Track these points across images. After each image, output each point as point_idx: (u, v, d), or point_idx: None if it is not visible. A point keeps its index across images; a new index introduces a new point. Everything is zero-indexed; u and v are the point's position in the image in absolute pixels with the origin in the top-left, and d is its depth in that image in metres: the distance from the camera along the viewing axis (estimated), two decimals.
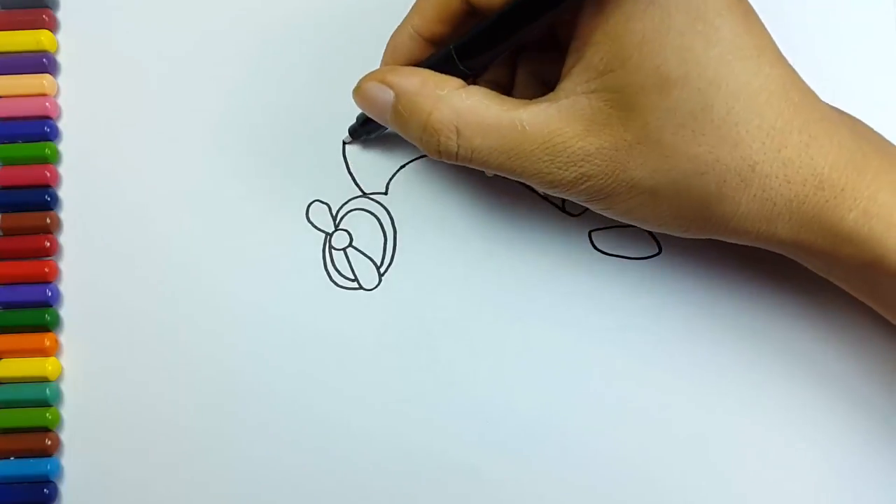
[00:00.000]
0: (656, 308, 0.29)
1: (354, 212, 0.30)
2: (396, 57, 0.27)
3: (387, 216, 0.30)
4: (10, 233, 0.30)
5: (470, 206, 0.30)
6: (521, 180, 0.25)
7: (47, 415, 0.29)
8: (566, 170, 0.24)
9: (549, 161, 0.24)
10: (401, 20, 0.27)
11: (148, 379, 0.30)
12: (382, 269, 0.30)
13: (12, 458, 0.30)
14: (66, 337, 0.30)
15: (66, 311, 0.30)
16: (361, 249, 0.30)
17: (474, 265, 0.30)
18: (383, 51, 0.27)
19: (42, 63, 0.30)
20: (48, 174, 0.30)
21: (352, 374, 0.30)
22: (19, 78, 0.30)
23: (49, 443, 0.29)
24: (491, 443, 0.29)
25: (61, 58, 0.31)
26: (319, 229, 0.30)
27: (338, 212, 0.30)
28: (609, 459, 0.29)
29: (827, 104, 0.25)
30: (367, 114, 0.27)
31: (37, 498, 0.29)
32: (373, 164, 0.30)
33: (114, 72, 0.31)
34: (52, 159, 0.30)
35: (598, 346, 0.29)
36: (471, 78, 0.26)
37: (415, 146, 0.26)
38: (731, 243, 0.25)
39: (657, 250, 0.30)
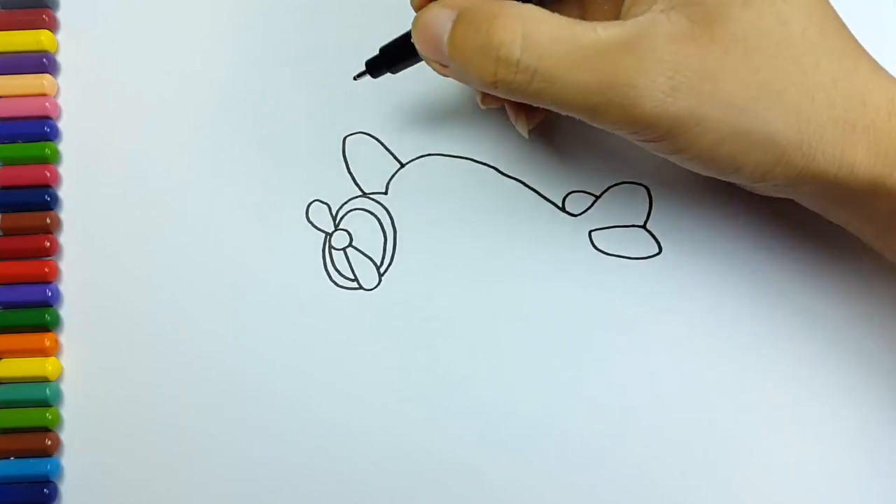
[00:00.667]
0: (656, 308, 0.29)
1: (354, 212, 0.30)
2: None
3: (387, 216, 0.30)
4: (10, 233, 0.30)
5: (470, 205, 0.30)
6: (597, 103, 0.22)
7: (47, 415, 0.29)
8: (655, 78, 0.21)
9: (635, 67, 0.21)
10: (404, 21, 0.25)
11: (148, 379, 0.30)
12: (382, 269, 0.30)
13: (12, 458, 0.30)
14: (66, 337, 0.30)
15: (66, 311, 0.30)
16: (361, 249, 0.30)
17: (474, 265, 0.30)
18: None
19: (42, 63, 0.30)
20: (48, 174, 0.30)
21: (352, 374, 0.30)
22: (19, 78, 0.30)
23: (49, 443, 0.29)
24: (491, 443, 0.29)
25: (61, 58, 0.31)
26: (319, 229, 0.30)
27: (338, 212, 0.30)
28: (609, 459, 0.29)
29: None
30: (421, 46, 0.25)
31: (37, 498, 0.29)
32: (373, 164, 0.30)
33: (114, 72, 0.31)
34: (52, 159, 0.30)
35: (598, 346, 0.29)
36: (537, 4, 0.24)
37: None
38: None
39: (657, 250, 0.30)
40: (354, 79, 0.28)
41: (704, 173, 0.25)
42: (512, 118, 0.27)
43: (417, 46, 0.25)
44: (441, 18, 0.23)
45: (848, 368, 0.29)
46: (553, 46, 0.22)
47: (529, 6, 0.23)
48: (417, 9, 0.25)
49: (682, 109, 0.22)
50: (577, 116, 0.23)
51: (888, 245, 0.26)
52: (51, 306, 0.30)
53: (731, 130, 0.22)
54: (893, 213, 0.24)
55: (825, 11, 0.23)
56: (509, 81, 0.22)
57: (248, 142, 0.30)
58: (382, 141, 0.30)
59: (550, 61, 0.22)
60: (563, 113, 0.23)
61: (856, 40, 0.24)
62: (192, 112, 0.31)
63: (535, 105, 0.24)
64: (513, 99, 0.24)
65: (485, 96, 0.27)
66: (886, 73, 0.24)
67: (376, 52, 0.27)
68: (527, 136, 0.28)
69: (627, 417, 0.29)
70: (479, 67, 0.23)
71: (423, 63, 0.26)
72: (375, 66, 0.27)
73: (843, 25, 0.24)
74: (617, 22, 0.22)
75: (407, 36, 0.26)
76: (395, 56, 0.27)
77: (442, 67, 0.25)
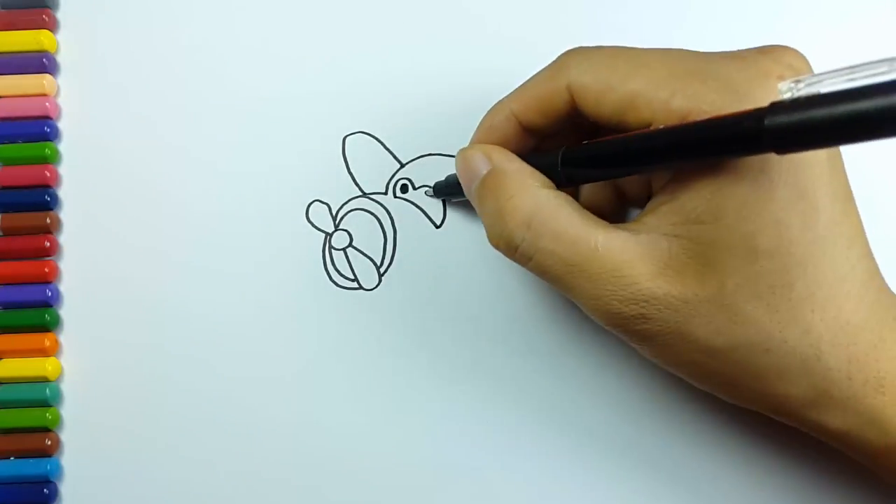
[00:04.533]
0: None
1: (354, 212, 0.30)
2: (490, 135, 0.26)
3: (387, 216, 0.30)
4: (10, 233, 0.30)
5: (470, 205, 0.30)
6: (574, 299, 0.24)
7: (47, 415, 0.29)
8: (626, 305, 0.22)
9: (612, 291, 0.22)
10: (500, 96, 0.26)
11: (148, 379, 0.30)
12: (382, 269, 0.30)
13: (12, 458, 0.30)
14: (66, 337, 0.30)
15: (66, 311, 0.30)
16: (361, 249, 0.30)
17: (474, 265, 0.30)
18: (478, 123, 0.26)
19: (42, 63, 0.30)
20: (48, 174, 0.30)
21: (351, 374, 0.30)
22: (19, 78, 0.30)
23: (49, 443, 0.29)
24: (491, 443, 0.29)
25: (61, 58, 0.31)
26: (319, 229, 0.30)
27: (338, 212, 0.30)
28: (609, 460, 0.29)
29: None
30: (459, 176, 0.26)
31: (37, 498, 0.29)
32: (373, 164, 0.30)
33: (114, 72, 0.31)
34: (52, 159, 0.30)
35: (597, 346, 0.29)
36: (569, 187, 0.25)
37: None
38: None
39: None
40: (426, 194, 0.30)
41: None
42: None
43: (458, 177, 0.27)
44: (478, 164, 0.25)
45: None
46: (552, 245, 0.23)
47: (548, 193, 0.23)
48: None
49: (645, 332, 0.23)
50: None
51: (877, 467, 0.24)
52: (51, 306, 0.30)
53: (690, 362, 0.23)
54: (864, 458, 0.24)
55: (846, 278, 0.22)
56: (509, 254, 0.24)
57: (249, 142, 0.30)
58: (382, 141, 0.30)
59: (546, 257, 0.23)
60: None
61: (870, 308, 0.22)
62: (192, 112, 0.31)
63: None
64: None
65: None
66: (892, 342, 0.22)
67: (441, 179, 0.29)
68: None
69: (627, 417, 0.29)
70: (490, 231, 0.25)
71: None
72: (441, 190, 0.30)
73: (865, 291, 0.22)
74: (621, 235, 0.23)
75: None
76: (455, 186, 0.28)
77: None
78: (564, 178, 0.24)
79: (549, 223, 0.23)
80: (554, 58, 0.24)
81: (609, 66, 0.23)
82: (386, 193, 0.30)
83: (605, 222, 0.23)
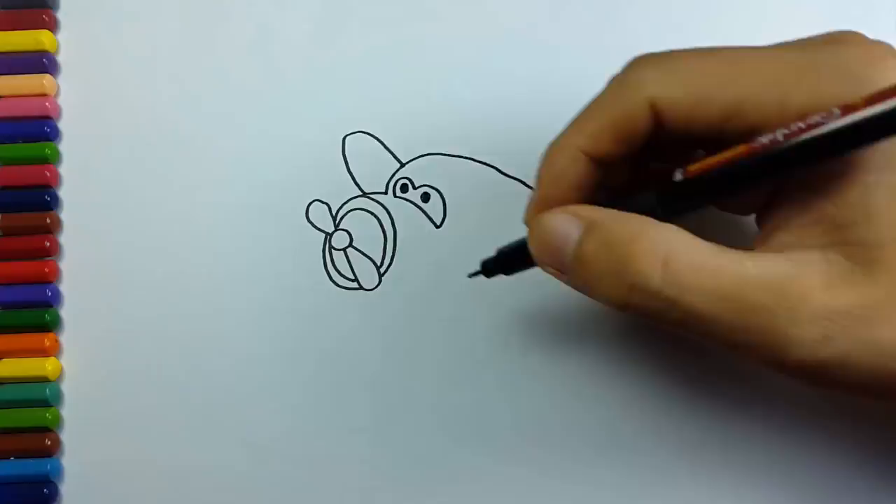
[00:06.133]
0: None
1: (354, 212, 0.30)
2: (559, 183, 0.22)
3: (387, 216, 0.30)
4: (10, 233, 0.30)
5: (470, 205, 0.30)
6: (739, 342, 0.20)
7: (47, 415, 0.29)
8: (807, 328, 0.19)
9: (786, 314, 0.19)
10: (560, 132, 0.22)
11: (148, 379, 0.30)
12: (382, 269, 0.30)
13: (12, 458, 0.30)
14: (66, 337, 0.30)
15: (66, 311, 0.30)
16: (361, 249, 0.30)
17: (474, 265, 0.30)
18: (536, 177, 0.23)
19: (42, 63, 0.30)
20: (48, 174, 0.30)
21: (352, 374, 0.30)
22: (19, 78, 0.30)
23: (49, 443, 0.29)
24: (492, 443, 0.29)
25: (61, 58, 0.31)
26: (319, 229, 0.30)
27: (338, 212, 0.30)
28: (609, 460, 0.29)
29: None
30: (538, 252, 0.23)
31: (37, 498, 0.29)
32: (373, 164, 0.30)
33: (114, 72, 0.31)
34: (52, 159, 0.30)
35: (597, 346, 0.29)
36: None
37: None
38: None
39: None
40: (469, 276, 0.26)
41: None
42: None
43: (533, 252, 0.23)
44: (567, 228, 0.22)
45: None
46: (696, 279, 0.20)
47: (670, 227, 0.20)
48: (528, 221, 0.23)
49: (830, 356, 0.20)
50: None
51: None
52: (51, 306, 0.30)
53: (879, 374, 0.20)
54: None
55: None
56: (644, 308, 0.21)
57: (249, 142, 0.30)
58: (382, 141, 0.30)
59: (693, 295, 0.20)
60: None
61: None
62: (192, 112, 0.31)
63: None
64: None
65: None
66: None
67: (493, 254, 0.26)
68: None
69: (627, 418, 0.29)
70: (611, 289, 0.21)
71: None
72: (491, 269, 0.26)
73: None
74: (768, 256, 0.20)
75: (525, 241, 0.24)
76: (512, 261, 0.25)
77: (561, 275, 0.23)
78: (663, 213, 0.21)
79: (685, 258, 0.20)
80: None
81: (701, 73, 0.21)
82: (386, 193, 0.30)
83: (741, 249, 0.20)
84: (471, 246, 0.30)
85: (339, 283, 0.30)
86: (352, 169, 0.30)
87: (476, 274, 0.26)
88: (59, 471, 0.29)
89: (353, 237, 0.30)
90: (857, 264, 0.20)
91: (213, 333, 0.30)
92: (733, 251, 0.20)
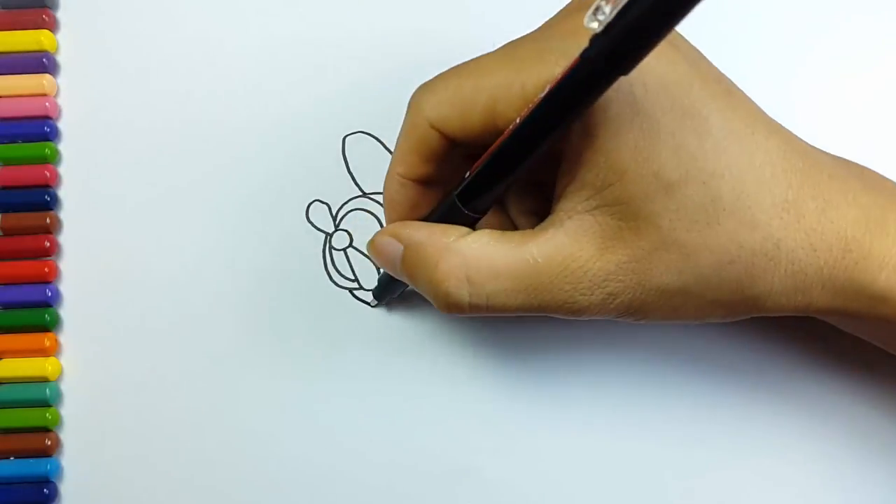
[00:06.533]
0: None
1: (354, 212, 0.30)
2: (396, 208, 0.26)
3: None
4: (10, 233, 0.30)
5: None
6: (546, 314, 0.23)
7: (47, 415, 0.29)
8: (591, 294, 0.23)
9: (572, 289, 0.22)
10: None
11: (148, 379, 0.30)
12: (382, 269, 0.30)
13: (12, 458, 0.30)
14: (66, 337, 0.30)
15: (66, 311, 0.30)
16: (361, 249, 0.30)
17: None
18: (384, 206, 0.26)
19: (42, 63, 0.30)
20: (48, 174, 0.30)
21: (351, 375, 0.30)
22: (19, 78, 0.30)
23: (49, 443, 0.29)
24: (492, 444, 0.29)
25: (61, 58, 0.31)
26: (319, 229, 0.30)
27: (338, 212, 0.30)
28: (609, 461, 0.29)
29: (829, 156, 0.24)
30: (382, 267, 0.26)
31: (37, 498, 0.29)
32: (373, 164, 0.30)
33: (114, 72, 0.31)
34: (52, 159, 0.30)
35: (597, 345, 0.29)
36: (480, 218, 0.24)
37: None
38: None
39: None
40: (373, 307, 0.30)
41: None
42: None
43: (380, 265, 0.26)
44: (391, 248, 0.24)
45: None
46: (497, 284, 0.23)
47: (468, 239, 0.23)
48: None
49: (621, 306, 0.23)
50: None
51: (872, 337, 0.26)
52: (51, 306, 0.30)
53: (674, 308, 0.23)
54: (858, 328, 0.25)
55: (764, 161, 0.22)
56: (463, 313, 0.23)
57: (249, 141, 0.30)
58: (382, 141, 0.30)
59: (499, 298, 0.23)
60: None
61: (802, 177, 0.22)
62: (192, 111, 0.31)
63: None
64: None
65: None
66: (838, 200, 0.23)
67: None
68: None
69: (627, 418, 0.29)
70: (434, 300, 0.24)
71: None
72: (379, 295, 0.29)
73: (788, 164, 0.22)
74: (550, 235, 0.22)
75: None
76: (388, 286, 0.28)
77: None
78: (472, 214, 0.23)
79: (484, 266, 0.23)
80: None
81: (457, 88, 0.23)
82: None
83: (530, 231, 0.23)
84: None
85: (339, 283, 0.30)
86: (352, 169, 0.30)
87: (375, 304, 0.30)
88: (58, 471, 0.29)
89: (353, 237, 0.30)
90: (621, 221, 0.22)
91: (213, 333, 0.30)
92: (522, 239, 0.23)
